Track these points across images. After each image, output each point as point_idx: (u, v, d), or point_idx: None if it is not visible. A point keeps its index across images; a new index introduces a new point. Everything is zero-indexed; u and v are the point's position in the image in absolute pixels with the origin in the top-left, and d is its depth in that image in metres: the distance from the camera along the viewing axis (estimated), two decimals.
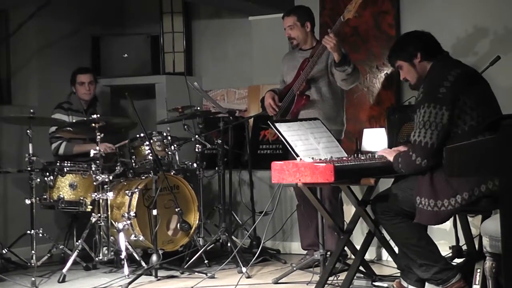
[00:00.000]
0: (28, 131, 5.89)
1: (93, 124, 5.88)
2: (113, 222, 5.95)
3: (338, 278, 5.05)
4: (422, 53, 4.40)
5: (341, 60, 5.57)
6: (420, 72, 4.43)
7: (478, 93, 4.27)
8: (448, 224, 5.40)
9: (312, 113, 5.75)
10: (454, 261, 5.14)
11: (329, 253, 5.17)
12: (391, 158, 4.40)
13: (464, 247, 5.14)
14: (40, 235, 5.95)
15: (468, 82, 4.27)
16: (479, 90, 4.30)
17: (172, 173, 6.26)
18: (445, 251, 5.14)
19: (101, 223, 5.88)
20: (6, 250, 6.14)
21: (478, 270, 4.18)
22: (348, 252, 5.73)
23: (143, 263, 5.76)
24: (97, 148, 5.87)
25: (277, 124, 4.72)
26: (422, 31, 4.53)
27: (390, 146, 5.34)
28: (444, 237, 5.79)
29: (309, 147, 4.64)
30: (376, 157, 4.56)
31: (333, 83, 5.85)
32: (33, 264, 5.81)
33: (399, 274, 4.75)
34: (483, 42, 6.11)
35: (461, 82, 4.23)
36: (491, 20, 6.11)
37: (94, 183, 5.95)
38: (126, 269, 5.64)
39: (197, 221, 6.27)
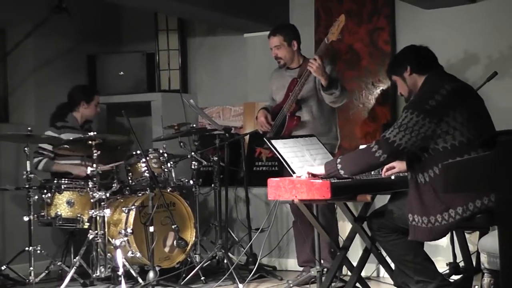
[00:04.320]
0: (25, 148, 5.93)
1: (90, 142, 5.91)
2: (110, 239, 5.96)
3: None
4: (412, 66, 4.36)
5: (328, 83, 5.57)
6: (410, 85, 4.39)
7: (471, 108, 4.22)
8: (445, 240, 5.41)
9: (304, 133, 5.73)
10: (451, 277, 5.16)
11: (325, 269, 5.18)
12: (322, 169, 4.38)
13: (462, 264, 5.14)
14: (38, 252, 5.97)
15: (461, 97, 4.22)
16: (472, 105, 4.25)
17: (168, 190, 6.27)
18: (442, 267, 5.14)
19: (98, 240, 5.88)
20: (5, 267, 6.15)
21: (476, 287, 4.18)
22: (345, 268, 5.73)
23: (140, 280, 5.76)
24: (85, 169, 5.90)
25: (273, 141, 4.73)
26: (418, 45, 4.48)
27: None
28: (441, 254, 5.78)
29: (305, 164, 4.64)
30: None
31: (323, 101, 5.81)
32: (31, 281, 5.83)
33: None
34: (478, 59, 6.15)
35: (454, 97, 4.18)
36: (487, 37, 6.16)
37: (91, 200, 5.96)
38: (123, 286, 5.63)
39: (193, 238, 6.27)
